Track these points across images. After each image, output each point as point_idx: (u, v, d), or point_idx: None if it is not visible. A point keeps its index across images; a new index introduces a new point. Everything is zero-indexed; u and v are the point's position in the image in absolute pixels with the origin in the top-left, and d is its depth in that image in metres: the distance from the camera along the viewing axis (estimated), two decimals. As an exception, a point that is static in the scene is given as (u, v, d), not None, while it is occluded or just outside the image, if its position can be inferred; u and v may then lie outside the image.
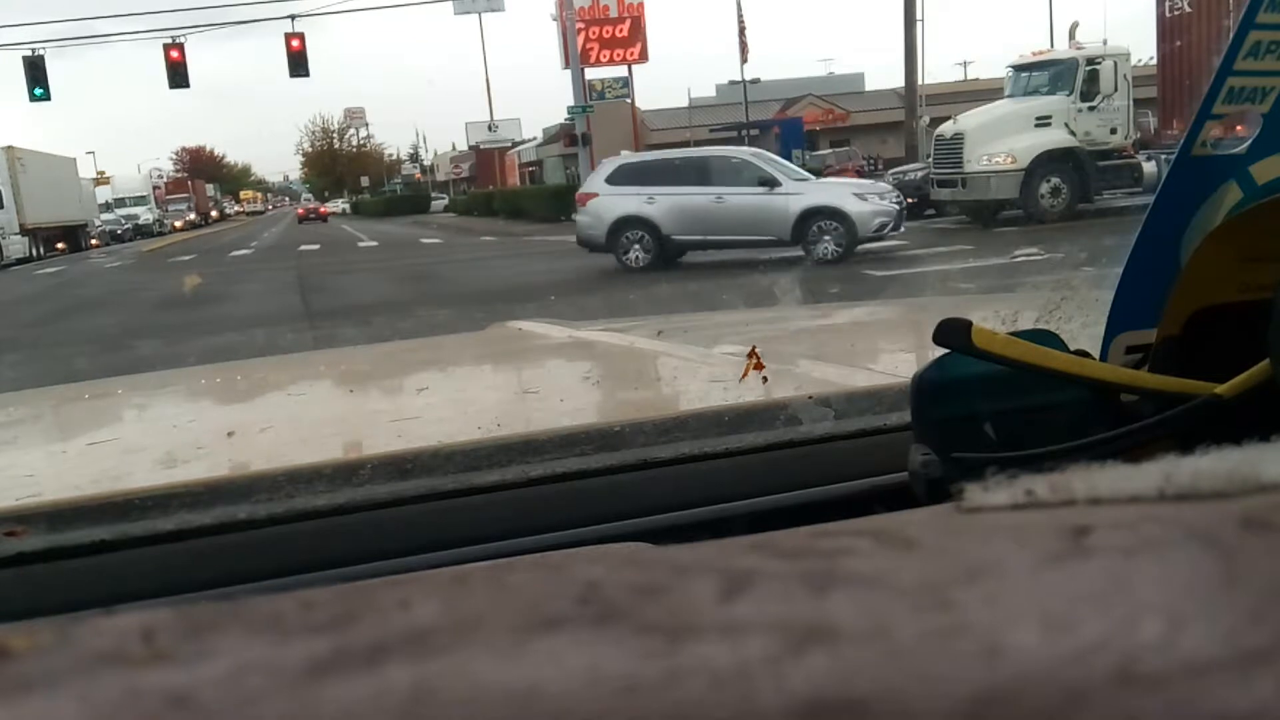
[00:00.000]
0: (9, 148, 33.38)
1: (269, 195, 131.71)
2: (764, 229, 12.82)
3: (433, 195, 62.53)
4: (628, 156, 15.67)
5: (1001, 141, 15.79)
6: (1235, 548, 0.25)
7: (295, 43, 27.21)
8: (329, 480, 0.79)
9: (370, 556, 0.75)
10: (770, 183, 13.08)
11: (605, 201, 13.46)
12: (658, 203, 13.15)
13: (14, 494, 0.82)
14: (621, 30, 34.36)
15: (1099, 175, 16.00)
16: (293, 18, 28.04)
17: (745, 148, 15.56)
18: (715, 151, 15.57)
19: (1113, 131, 16.19)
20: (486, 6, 33.78)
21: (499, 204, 35.37)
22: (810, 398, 0.90)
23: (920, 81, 23.89)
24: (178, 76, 27.18)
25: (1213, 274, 0.65)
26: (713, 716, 0.20)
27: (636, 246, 13.23)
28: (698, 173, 13.56)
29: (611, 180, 13.64)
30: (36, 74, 26.16)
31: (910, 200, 18.17)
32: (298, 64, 27.26)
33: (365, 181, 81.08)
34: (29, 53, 26.37)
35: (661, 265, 13.01)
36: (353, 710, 0.20)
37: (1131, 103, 16.48)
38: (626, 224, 13.29)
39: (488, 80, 46.11)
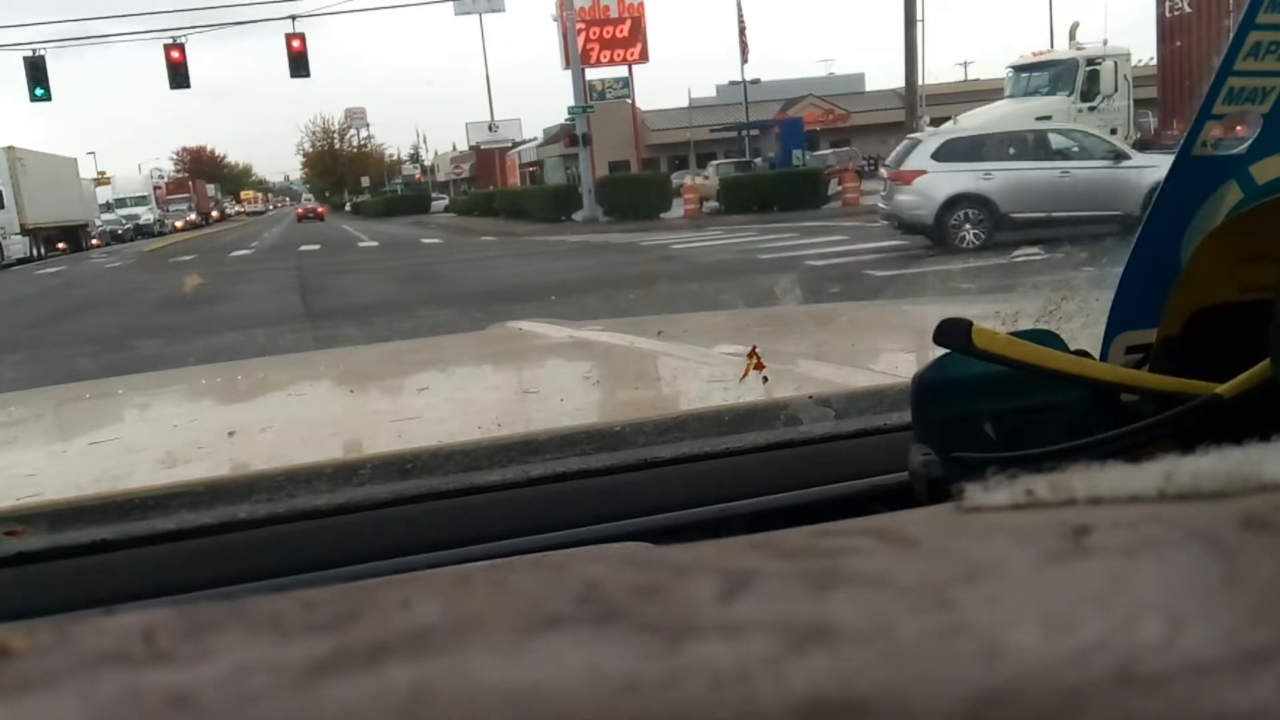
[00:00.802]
0: (10, 148, 33.41)
1: (270, 195, 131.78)
2: (1112, 203, 12.03)
3: (433, 195, 62.54)
4: (952, 131, 14.66)
5: (1002, 142, 15.80)
6: (1236, 548, 0.25)
7: (296, 43, 27.23)
8: (329, 480, 0.79)
9: (371, 556, 0.75)
10: (1119, 156, 12.52)
11: (935, 178, 12.47)
12: (995, 178, 12.35)
13: (15, 493, 0.82)
14: (622, 30, 34.39)
15: (1100, 175, 16.02)
16: (293, 18, 28.09)
17: (1076, 125, 15.14)
18: (1052, 125, 15.00)
19: (1113, 131, 16.21)
20: (487, 7, 33.79)
21: (499, 204, 35.38)
22: (810, 398, 0.90)
23: (921, 82, 23.87)
24: (178, 77, 27.21)
25: (1213, 274, 0.65)
26: (713, 716, 0.20)
27: (969, 226, 12.43)
28: (1036, 146, 12.91)
29: (938, 156, 12.81)
30: (37, 74, 26.18)
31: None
32: (298, 64, 27.28)
33: (366, 182, 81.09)
34: (30, 53, 26.41)
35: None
36: (353, 710, 0.20)
37: (1132, 103, 16.53)
38: (960, 202, 12.38)
39: (488, 80, 46.21)
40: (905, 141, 14.10)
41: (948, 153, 12.86)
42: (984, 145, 13.06)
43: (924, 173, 12.74)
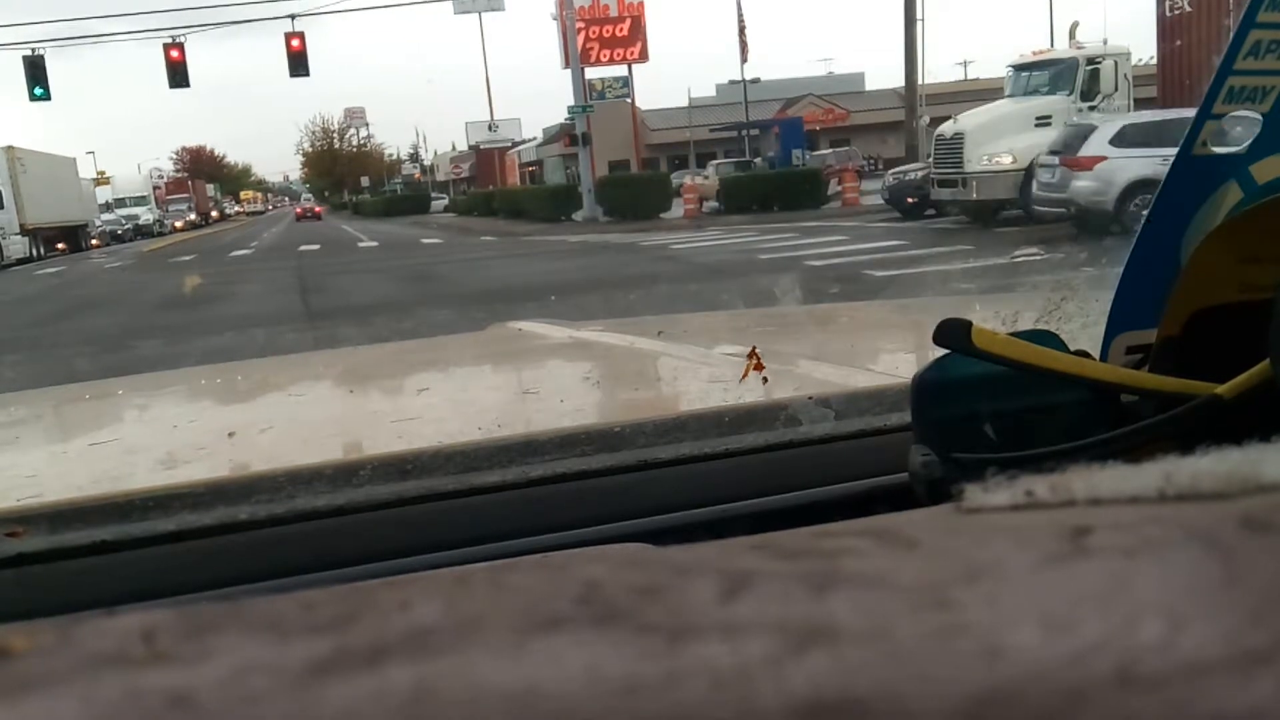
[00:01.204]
0: (9, 148, 33.40)
1: (269, 195, 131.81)
2: None
3: (433, 195, 62.53)
4: (1128, 116, 14.42)
5: (1002, 141, 15.76)
6: (1235, 548, 0.25)
7: (295, 42, 27.23)
8: (330, 481, 0.79)
9: (371, 557, 0.75)
10: None
11: (1116, 164, 12.12)
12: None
13: (15, 494, 0.82)
14: (621, 30, 34.40)
15: (1100, 175, 15.96)
16: (293, 17, 28.08)
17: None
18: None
19: (1113, 131, 16.16)
20: (486, 6, 33.77)
21: (499, 204, 35.38)
22: (810, 398, 0.90)
23: (920, 81, 23.87)
24: (178, 76, 27.21)
25: (1213, 274, 0.65)
26: (713, 717, 0.20)
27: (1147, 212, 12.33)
28: None
29: (1117, 141, 12.53)
30: (36, 74, 26.17)
31: (910, 200, 18.17)
32: (298, 64, 27.28)
33: (365, 181, 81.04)
34: (29, 52, 26.40)
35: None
36: (353, 711, 0.20)
37: (1132, 102, 16.47)
38: (1140, 188, 11.97)
39: (488, 80, 46.21)
40: (1071, 127, 13.80)
41: (1126, 138, 12.55)
42: (1160, 130, 12.67)
43: (1104, 159, 12.40)
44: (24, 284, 21.85)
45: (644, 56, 34.82)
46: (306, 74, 27.35)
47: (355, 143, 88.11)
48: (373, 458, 0.82)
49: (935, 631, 0.22)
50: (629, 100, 38.26)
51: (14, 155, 33.05)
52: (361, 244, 27.21)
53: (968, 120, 16.51)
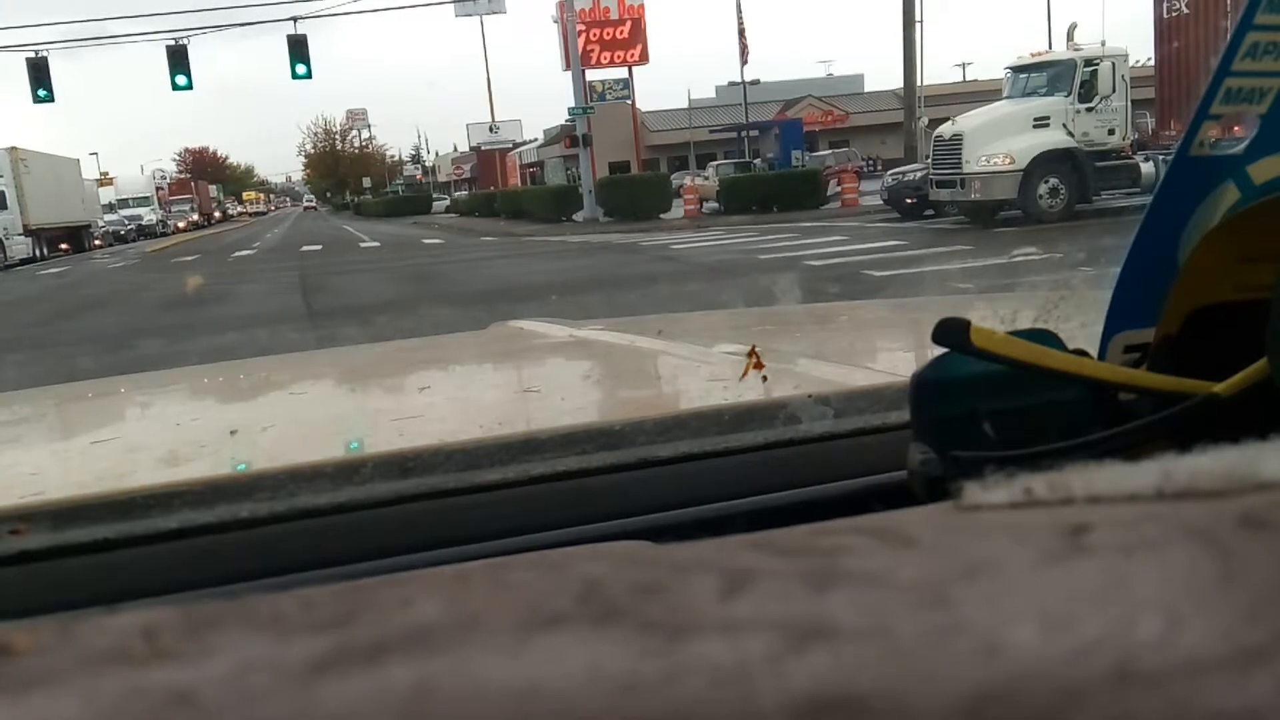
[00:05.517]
0: (13, 149, 33.44)
1: (272, 196, 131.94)
2: None
3: (434, 196, 62.57)
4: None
5: (1000, 142, 15.76)
6: (1233, 546, 0.25)
7: (297, 45, 27.23)
8: (330, 479, 0.79)
9: (371, 555, 0.75)
10: None
11: None
12: None
13: (17, 492, 0.82)
14: (622, 32, 34.44)
15: (1097, 176, 15.97)
16: (295, 19, 28.08)
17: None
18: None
19: (1111, 132, 16.16)
20: (488, 9, 33.77)
21: (500, 205, 35.41)
22: (810, 396, 0.90)
23: (919, 83, 23.86)
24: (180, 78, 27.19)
25: (1210, 273, 0.65)
26: (713, 714, 0.20)
27: None
28: None
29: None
30: (40, 75, 26.19)
31: (909, 201, 18.17)
32: (300, 65, 27.27)
33: (367, 182, 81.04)
34: (32, 54, 26.41)
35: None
36: (354, 708, 0.20)
37: (1129, 104, 16.45)
38: None
39: (489, 82, 46.28)
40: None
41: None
42: None
43: None
44: (27, 284, 21.85)
45: (644, 58, 34.85)
46: (309, 76, 27.35)
47: (357, 144, 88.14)
48: (373, 456, 0.82)
49: (934, 629, 0.22)
50: (629, 102, 38.28)
51: (17, 156, 33.09)
52: (363, 244, 27.21)
53: (966, 121, 16.50)
